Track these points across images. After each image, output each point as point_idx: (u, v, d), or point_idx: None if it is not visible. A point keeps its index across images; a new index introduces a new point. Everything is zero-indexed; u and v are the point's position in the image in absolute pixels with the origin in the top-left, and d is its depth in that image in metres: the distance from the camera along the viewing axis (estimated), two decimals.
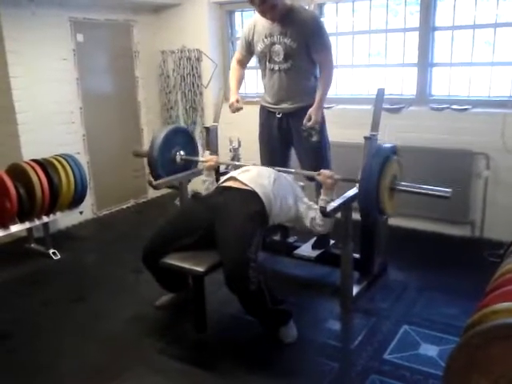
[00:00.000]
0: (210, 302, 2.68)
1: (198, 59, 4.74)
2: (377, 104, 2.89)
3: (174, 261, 2.48)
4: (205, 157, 3.26)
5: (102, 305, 3.02)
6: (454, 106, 3.75)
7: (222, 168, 3.47)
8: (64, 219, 4.17)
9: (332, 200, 2.67)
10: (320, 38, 2.96)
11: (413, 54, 3.96)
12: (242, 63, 3.30)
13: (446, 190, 2.53)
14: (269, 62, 3.08)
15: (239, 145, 3.53)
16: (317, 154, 3.07)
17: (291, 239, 3.45)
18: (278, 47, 3.00)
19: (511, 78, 3.62)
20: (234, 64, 3.31)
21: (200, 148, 3.89)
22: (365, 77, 4.23)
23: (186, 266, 2.42)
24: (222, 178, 2.87)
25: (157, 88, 5.05)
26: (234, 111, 3.17)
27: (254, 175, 2.76)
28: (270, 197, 2.64)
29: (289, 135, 3.23)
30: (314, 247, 3.19)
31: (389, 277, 3.22)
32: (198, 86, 4.82)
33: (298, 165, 3.27)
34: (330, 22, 4.29)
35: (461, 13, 3.72)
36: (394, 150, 2.68)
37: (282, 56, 3.00)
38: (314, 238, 3.25)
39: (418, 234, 3.92)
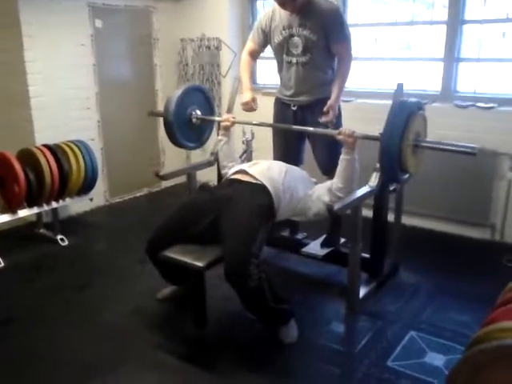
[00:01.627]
0: (212, 297, 2.61)
1: (218, 48, 4.65)
2: (395, 99, 2.75)
3: (174, 254, 2.41)
4: (222, 116, 3.21)
5: (105, 294, 2.98)
6: (480, 104, 3.58)
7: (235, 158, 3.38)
8: (75, 205, 4.16)
9: (354, 160, 2.57)
10: (340, 30, 2.85)
11: (439, 48, 3.79)
12: (254, 55, 3.16)
13: (472, 146, 2.44)
14: (286, 54, 2.97)
15: (252, 137, 3.44)
16: (332, 147, 2.95)
17: (300, 236, 3.35)
18: (296, 39, 2.89)
19: None
20: (245, 56, 3.16)
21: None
22: (388, 70, 4.07)
23: (186, 259, 2.36)
24: (231, 170, 2.78)
25: (175, 76, 4.98)
26: (248, 110, 3.07)
27: (264, 168, 2.67)
28: (279, 190, 2.55)
29: (304, 124, 3.13)
30: (323, 245, 3.08)
31: (400, 278, 3.09)
32: (216, 75, 4.73)
33: (313, 159, 3.17)
34: (353, 12, 4.14)
35: (491, 6, 3.54)
36: (419, 105, 2.56)
37: (300, 49, 2.89)
38: (324, 236, 3.15)
39: (435, 235, 3.77)
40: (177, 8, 4.84)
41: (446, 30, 3.69)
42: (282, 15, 2.91)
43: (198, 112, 3.23)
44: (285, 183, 2.59)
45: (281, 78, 3.14)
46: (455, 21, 3.64)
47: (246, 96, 3.04)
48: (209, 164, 3.27)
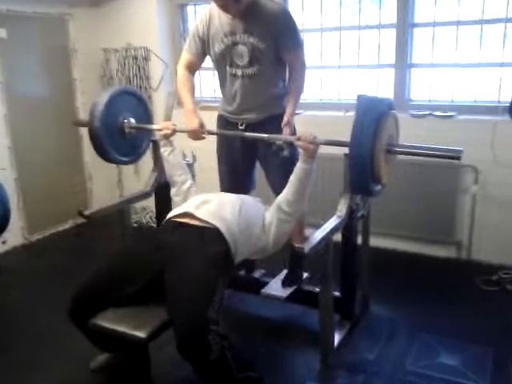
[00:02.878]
0: (157, 363, 2.11)
1: (146, 59, 4.15)
2: (358, 114, 2.40)
3: (106, 322, 1.91)
4: (159, 124, 2.64)
5: (25, 361, 2.42)
6: (437, 113, 3.33)
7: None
8: None
9: (312, 171, 2.19)
10: (291, 35, 2.45)
11: (389, 53, 3.52)
12: (193, 68, 2.64)
13: (454, 149, 2.02)
14: (230, 65, 2.52)
15: (194, 160, 2.97)
16: (288, 170, 2.52)
17: (258, 274, 2.92)
18: (241, 48, 2.44)
19: (500, 80, 3.22)
20: (182, 70, 2.62)
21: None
22: (335, 79, 3.75)
23: (123, 329, 1.85)
24: (175, 211, 2.29)
25: (98, 91, 4.39)
26: (196, 139, 2.57)
27: (214, 208, 2.21)
28: (234, 233, 2.11)
29: (253, 149, 2.71)
30: (284, 283, 2.67)
31: (373, 315, 2.74)
32: (146, 89, 4.22)
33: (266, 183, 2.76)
34: (295, 16, 3.79)
35: (443, 8, 3.30)
36: (389, 104, 2.18)
37: (246, 59, 2.46)
38: (284, 272, 2.74)
39: (398, 256, 3.48)
40: (97, 14, 4.28)
41: (395, 34, 3.42)
42: (223, 20, 2.45)
43: (132, 120, 2.73)
44: (240, 223, 2.16)
45: (223, 94, 2.71)
46: (404, 24, 3.38)
47: (192, 122, 2.50)
48: (146, 195, 2.77)
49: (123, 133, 2.71)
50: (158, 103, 4.17)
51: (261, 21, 2.39)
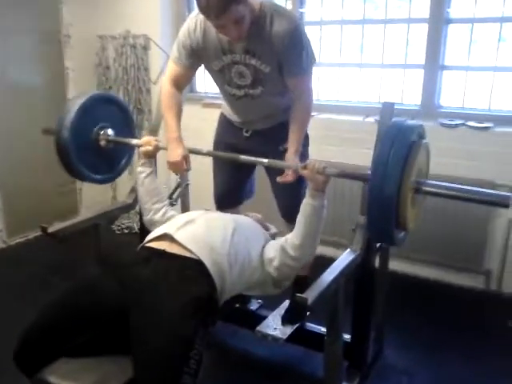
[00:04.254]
0: None
1: (145, 48, 3.74)
2: (382, 126, 1.98)
3: (56, 377, 1.51)
4: (141, 139, 2.21)
5: None
6: (471, 123, 2.88)
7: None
8: None
9: (321, 208, 1.77)
10: (297, 59, 1.97)
11: (418, 52, 3.08)
12: (181, 82, 2.15)
13: (503, 195, 1.54)
14: (228, 85, 2.11)
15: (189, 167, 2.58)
16: (297, 185, 2.12)
17: (253, 305, 2.51)
18: (242, 69, 2.02)
19: None
20: (168, 86, 2.13)
21: None
22: (355, 79, 3.32)
23: None
24: (152, 234, 1.90)
25: (93, 82, 4.01)
26: (177, 172, 2.17)
27: (200, 231, 1.80)
28: (223, 266, 1.71)
29: (258, 155, 2.31)
30: (284, 320, 2.25)
31: (386, 361, 2.33)
32: (144, 81, 3.82)
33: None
34: (312, 10, 3.36)
35: (483, 2, 2.85)
36: (420, 131, 1.69)
37: (249, 81, 2.04)
38: (285, 305, 2.33)
39: (419, 282, 3.06)
40: None
41: (427, 30, 2.97)
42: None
43: (110, 132, 2.33)
44: (231, 253, 1.75)
45: (224, 100, 2.32)
46: (439, 18, 2.93)
47: (176, 153, 2.07)
48: (127, 208, 2.38)
49: (98, 146, 2.30)
50: (157, 97, 3.77)
51: (264, 41, 1.92)
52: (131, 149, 2.46)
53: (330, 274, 1.68)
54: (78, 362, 1.56)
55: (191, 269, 1.66)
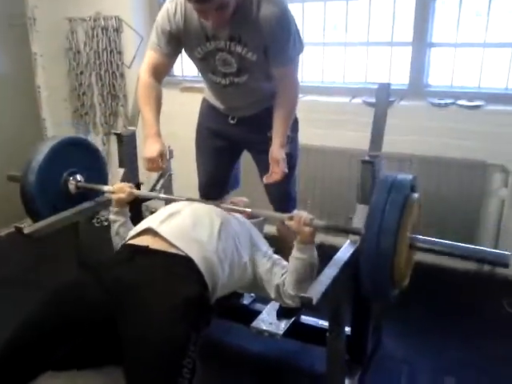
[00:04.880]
0: None
1: (118, 30, 3.54)
2: (378, 108, 1.88)
3: None
4: (114, 186, 2.06)
5: None
6: (461, 102, 2.80)
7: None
8: None
9: (312, 261, 1.68)
10: (283, 46, 1.81)
11: (404, 29, 2.97)
12: (161, 72, 1.97)
13: (502, 254, 1.46)
14: (212, 73, 1.96)
15: (170, 156, 2.45)
16: (287, 173, 2.00)
17: (246, 300, 2.39)
18: (226, 56, 1.86)
19: None
20: (146, 76, 1.94)
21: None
22: (340, 58, 3.19)
23: None
24: (134, 230, 1.76)
25: (64, 67, 3.79)
26: (153, 170, 1.97)
27: (186, 224, 1.69)
28: (213, 263, 1.60)
29: (244, 144, 2.20)
30: (280, 314, 2.16)
31: (385, 351, 2.26)
32: (118, 65, 3.62)
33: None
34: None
35: None
36: (413, 183, 1.63)
37: (234, 68, 1.89)
38: None
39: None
40: None
41: (414, 6, 2.86)
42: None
43: (79, 177, 2.18)
44: (220, 248, 1.65)
45: (207, 86, 2.17)
46: None
47: (152, 148, 1.88)
48: (107, 203, 2.22)
49: (67, 192, 2.16)
50: (132, 83, 3.57)
51: (252, 26, 1.76)
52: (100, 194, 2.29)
53: (331, 270, 1.58)
54: (66, 376, 1.44)
55: (178, 266, 1.55)
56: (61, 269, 2.43)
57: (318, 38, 3.20)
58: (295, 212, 1.70)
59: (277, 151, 1.86)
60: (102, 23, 3.55)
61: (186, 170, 2.60)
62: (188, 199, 1.91)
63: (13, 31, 3.51)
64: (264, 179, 1.87)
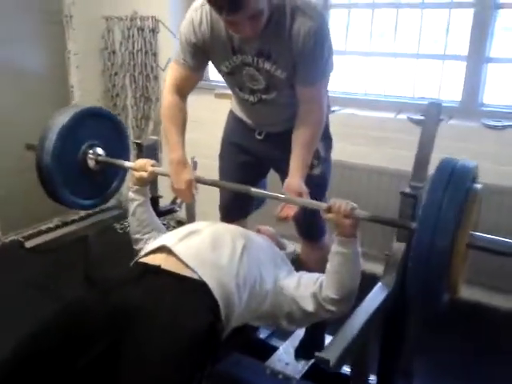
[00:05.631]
0: None
1: (154, 30, 3.41)
2: (426, 131, 1.64)
3: None
4: (136, 162, 1.88)
5: None
6: None
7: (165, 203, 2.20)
8: None
9: (354, 257, 1.46)
10: (316, 64, 1.60)
11: (457, 42, 2.70)
12: (187, 87, 1.79)
13: None
14: (240, 89, 1.77)
15: (195, 166, 2.27)
16: (316, 192, 1.76)
17: (262, 332, 2.18)
18: (254, 72, 1.66)
19: None
20: (169, 94, 1.76)
21: None
22: (386, 70, 2.95)
23: None
24: (151, 245, 1.59)
25: (98, 67, 3.71)
26: (184, 199, 1.86)
27: (205, 244, 1.51)
28: (230, 289, 1.42)
29: (271, 163, 1.99)
30: (298, 354, 1.95)
31: None
32: (152, 67, 3.50)
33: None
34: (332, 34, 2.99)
35: None
36: (474, 174, 1.33)
37: (262, 85, 1.69)
38: (300, 334, 2.02)
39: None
40: None
41: (473, 16, 2.58)
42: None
43: (100, 151, 2.02)
44: (240, 273, 1.46)
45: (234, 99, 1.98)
46: (487, 4, 2.54)
47: (179, 179, 1.72)
48: (121, 217, 2.06)
49: (86, 167, 2.00)
50: None
51: (283, 41, 1.55)
52: (123, 171, 2.14)
53: (356, 321, 1.35)
54: None
55: (189, 292, 1.38)
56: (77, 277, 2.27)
57: (362, 46, 2.96)
58: (332, 201, 1.48)
59: (296, 184, 1.63)
60: (139, 23, 3.43)
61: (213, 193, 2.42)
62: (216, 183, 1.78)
63: (49, 28, 3.44)
64: (276, 217, 1.65)
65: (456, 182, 1.23)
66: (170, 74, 1.78)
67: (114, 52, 3.61)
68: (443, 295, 1.27)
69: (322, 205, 1.49)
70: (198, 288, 1.38)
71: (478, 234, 1.29)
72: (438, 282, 1.21)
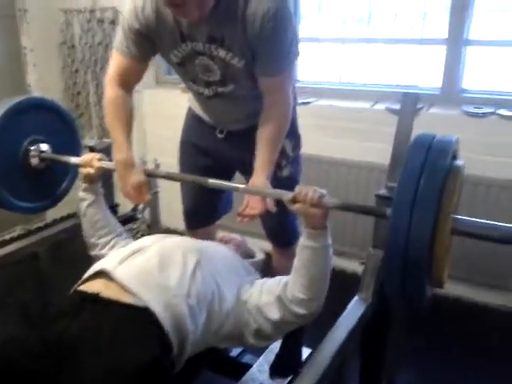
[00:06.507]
0: None
1: (114, 22, 3.19)
2: (401, 125, 1.48)
3: None
4: (82, 158, 1.70)
5: None
6: (502, 111, 2.37)
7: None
8: None
9: (325, 251, 1.28)
10: (278, 52, 1.43)
11: (434, 28, 2.55)
12: (131, 80, 1.59)
13: None
14: (194, 82, 1.58)
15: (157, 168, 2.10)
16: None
17: (234, 350, 2.00)
18: (207, 62, 1.48)
19: None
20: (112, 88, 1.58)
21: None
22: (361, 57, 2.79)
23: None
24: (88, 272, 1.41)
25: (57, 64, 3.48)
26: (136, 200, 1.69)
27: (150, 265, 1.33)
28: (181, 312, 1.24)
29: (235, 165, 1.82)
30: (273, 371, 1.79)
31: None
32: None
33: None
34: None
35: None
36: (454, 149, 1.17)
37: (217, 76, 1.51)
38: (274, 349, 1.85)
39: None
40: None
41: None
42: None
43: (44, 147, 1.81)
44: (192, 292, 1.28)
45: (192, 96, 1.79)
46: None
47: (126, 182, 1.55)
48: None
49: (28, 166, 1.79)
50: None
51: (237, 25, 1.37)
52: (74, 168, 1.90)
53: (330, 344, 1.19)
54: None
55: (131, 321, 1.20)
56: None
57: (335, 33, 2.80)
58: (298, 188, 1.29)
59: (261, 184, 1.46)
60: (98, 15, 3.21)
61: (177, 188, 2.24)
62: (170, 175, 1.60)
63: (1, 23, 3.21)
64: (238, 217, 1.48)
65: (434, 159, 1.07)
66: (111, 66, 1.58)
67: (73, 46, 3.38)
68: (426, 290, 1.11)
69: (286, 194, 1.31)
70: (140, 316, 1.21)
71: (462, 217, 1.12)
72: (418, 275, 1.05)
